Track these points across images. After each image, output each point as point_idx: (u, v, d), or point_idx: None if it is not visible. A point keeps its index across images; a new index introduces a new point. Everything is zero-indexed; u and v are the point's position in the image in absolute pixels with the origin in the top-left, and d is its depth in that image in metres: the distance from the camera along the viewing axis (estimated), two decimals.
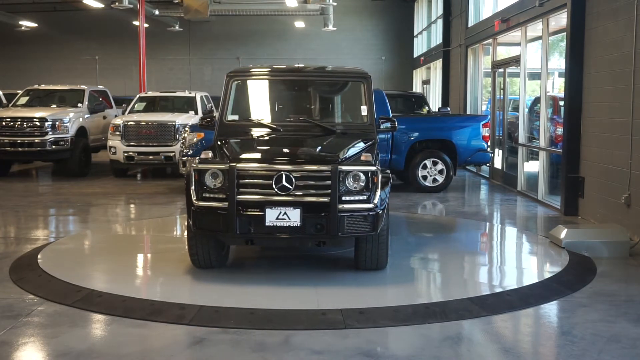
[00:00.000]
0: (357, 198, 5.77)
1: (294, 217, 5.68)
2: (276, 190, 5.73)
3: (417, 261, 7.11)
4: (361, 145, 6.57)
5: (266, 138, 6.79)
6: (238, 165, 5.79)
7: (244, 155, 6.11)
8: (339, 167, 5.73)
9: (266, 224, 5.69)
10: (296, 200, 5.72)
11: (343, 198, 5.74)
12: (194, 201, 5.84)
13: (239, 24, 29.03)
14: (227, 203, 5.71)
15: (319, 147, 6.32)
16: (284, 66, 7.76)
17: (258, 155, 6.22)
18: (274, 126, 6.92)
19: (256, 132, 6.91)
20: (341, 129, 6.92)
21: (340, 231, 5.68)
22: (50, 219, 9.71)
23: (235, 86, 7.33)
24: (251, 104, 7.63)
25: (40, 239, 8.02)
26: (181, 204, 10.18)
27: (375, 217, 5.73)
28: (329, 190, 5.69)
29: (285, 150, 6.38)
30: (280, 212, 5.68)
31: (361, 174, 5.79)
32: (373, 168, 5.81)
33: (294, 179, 5.75)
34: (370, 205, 5.74)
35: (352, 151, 6.25)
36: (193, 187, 5.85)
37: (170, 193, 11.75)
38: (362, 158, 5.95)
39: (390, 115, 10.90)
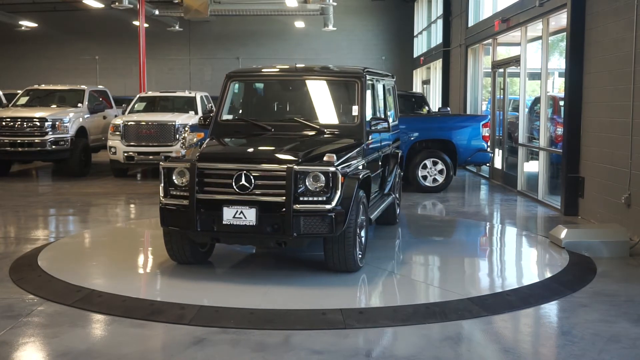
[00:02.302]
0: (315, 199, 5.74)
1: (249, 216, 5.73)
2: (236, 189, 5.79)
3: (417, 261, 7.12)
4: (341, 145, 6.47)
5: (246, 137, 6.88)
6: (199, 163, 5.90)
7: (208, 154, 6.20)
8: (295, 167, 5.72)
9: (223, 222, 5.78)
10: (252, 200, 5.77)
11: (301, 198, 5.73)
12: (161, 198, 6.05)
13: (239, 24, 29.03)
14: (188, 201, 5.86)
15: (289, 147, 6.21)
16: (281, 67, 7.77)
17: (222, 154, 6.30)
18: (265, 126, 6.95)
19: (245, 132, 6.98)
20: (330, 129, 6.85)
21: (296, 231, 5.68)
22: (50, 219, 9.72)
23: (232, 86, 7.43)
24: (247, 104, 7.76)
25: (40, 239, 8.02)
26: None
27: (334, 218, 5.69)
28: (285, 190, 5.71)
29: (250, 150, 6.46)
30: (237, 211, 5.76)
31: (321, 175, 5.75)
32: (332, 169, 5.73)
33: (252, 179, 5.78)
34: (329, 206, 5.70)
35: (321, 151, 6.09)
36: (162, 185, 6.05)
37: None
38: (326, 159, 5.82)
39: None
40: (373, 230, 8.23)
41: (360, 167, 6.49)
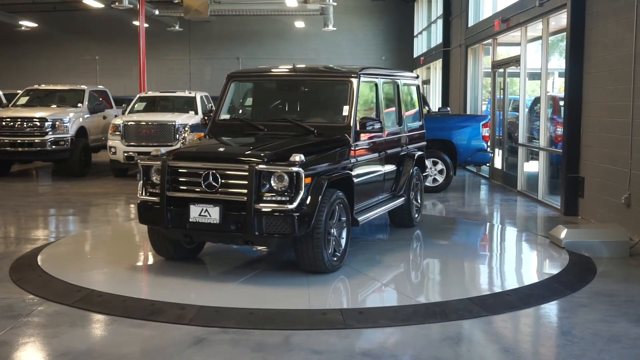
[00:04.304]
0: (278, 198, 5.74)
1: (214, 214, 5.81)
2: (204, 187, 5.88)
3: (416, 261, 7.12)
4: (321, 146, 6.43)
5: (235, 137, 6.98)
6: (170, 162, 6.02)
7: (181, 153, 6.27)
8: (257, 166, 5.73)
9: (190, 219, 5.88)
10: (216, 198, 5.85)
11: (264, 198, 5.75)
12: (138, 195, 6.19)
13: (239, 24, 29.04)
14: (159, 198, 6.00)
15: (261, 147, 6.22)
16: (281, 67, 7.77)
17: (192, 154, 6.36)
18: (258, 126, 7.01)
19: (239, 131, 7.06)
20: (321, 129, 6.80)
21: (257, 230, 5.71)
22: (50, 219, 9.72)
23: (232, 87, 7.50)
24: (245, 104, 7.86)
25: (40, 239, 8.02)
26: None
27: (297, 218, 5.67)
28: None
29: (220, 150, 6.58)
30: (202, 209, 5.85)
31: (284, 175, 5.74)
32: (295, 169, 5.70)
33: (219, 178, 5.85)
34: (291, 206, 5.68)
35: (292, 151, 5.98)
36: (140, 182, 6.19)
37: None
38: (297, 158, 5.75)
39: None
40: (388, 233, 8.26)
41: (341, 168, 6.46)
